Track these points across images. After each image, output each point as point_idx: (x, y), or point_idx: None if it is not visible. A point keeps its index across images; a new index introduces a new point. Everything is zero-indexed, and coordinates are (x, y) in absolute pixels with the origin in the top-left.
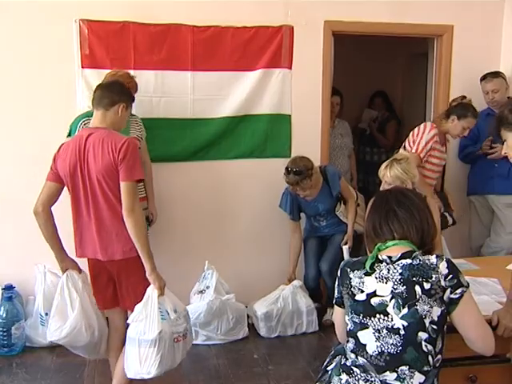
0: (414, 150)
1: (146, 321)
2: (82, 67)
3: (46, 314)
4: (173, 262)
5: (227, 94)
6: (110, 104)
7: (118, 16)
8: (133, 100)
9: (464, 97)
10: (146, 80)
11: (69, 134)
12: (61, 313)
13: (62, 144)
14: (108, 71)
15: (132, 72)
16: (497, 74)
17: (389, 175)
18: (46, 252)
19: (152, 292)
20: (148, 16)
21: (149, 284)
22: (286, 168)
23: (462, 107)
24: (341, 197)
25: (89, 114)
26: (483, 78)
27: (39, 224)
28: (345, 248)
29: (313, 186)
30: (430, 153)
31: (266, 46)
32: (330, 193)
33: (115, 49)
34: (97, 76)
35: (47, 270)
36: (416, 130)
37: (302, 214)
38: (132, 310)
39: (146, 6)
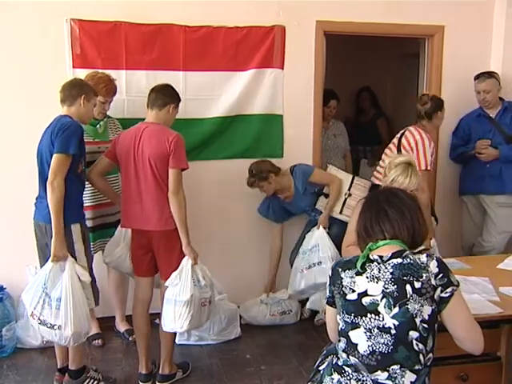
0: (423, 167)
1: (180, 285)
2: (74, 67)
3: None
4: None
5: (219, 94)
6: (163, 105)
7: (110, 16)
8: (179, 100)
9: (422, 95)
10: (138, 80)
11: None
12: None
13: (122, 132)
14: (100, 71)
15: (124, 72)
16: (490, 75)
17: (414, 182)
18: (36, 253)
19: (187, 262)
20: (140, 16)
21: (181, 256)
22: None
23: (435, 101)
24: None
25: None
26: (477, 78)
27: (98, 188)
28: (320, 231)
29: (278, 187)
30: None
31: (258, 46)
32: (300, 197)
33: (107, 49)
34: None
35: (37, 271)
36: (412, 140)
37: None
38: (166, 278)
39: (137, 5)
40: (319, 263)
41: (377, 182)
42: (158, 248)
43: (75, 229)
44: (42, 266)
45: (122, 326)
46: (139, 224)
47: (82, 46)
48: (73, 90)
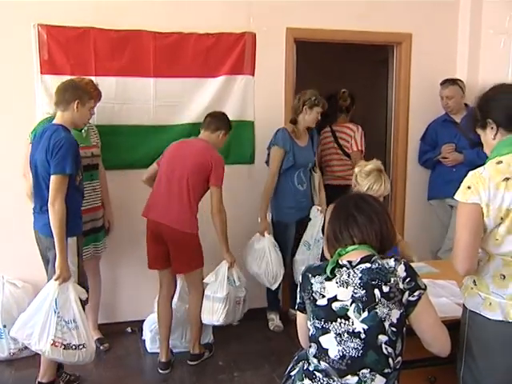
0: (360, 148)
1: (217, 284)
2: (42, 73)
3: (5, 326)
4: (136, 271)
5: (190, 100)
6: (215, 129)
7: (78, 21)
8: (230, 129)
9: (343, 92)
10: (108, 86)
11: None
12: None
13: (173, 143)
14: (69, 77)
15: (93, 78)
16: (454, 82)
17: (388, 187)
18: (3, 262)
19: (225, 264)
20: (109, 22)
21: (193, 256)
22: (314, 99)
23: (352, 98)
24: None
25: (51, 120)
26: (442, 84)
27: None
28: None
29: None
30: None
31: (228, 53)
32: (312, 148)
33: (75, 54)
34: (57, 82)
35: (6, 281)
36: (349, 130)
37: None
38: (175, 273)
39: (106, 11)
40: None
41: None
42: (172, 244)
43: (72, 242)
44: (47, 272)
45: (94, 335)
46: (158, 217)
47: (49, 51)
48: (66, 94)
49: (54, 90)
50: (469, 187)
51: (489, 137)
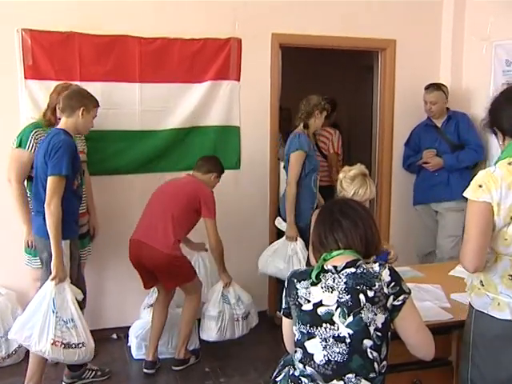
0: (336, 150)
1: (211, 302)
2: (26, 78)
3: None
4: (121, 277)
5: (175, 105)
6: (207, 172)
7: (63, 26)
8: (222, 172)
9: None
10: (93, 92)
11: (19, 145)
12: None
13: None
14: (54, 83)
15: (78, 83)
16: (439, 87)
17: (374, 190)
18: None
19: (220, 283)
20: (94, 27)
21: (181, 274)
22: (324, 104)
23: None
24: None
25: (38, 126)
26: (426, 88)
27: None
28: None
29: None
30: None
31: (214, 58)
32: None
33: (60, 60)
34: (41, 87)
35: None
36: (327, 133)
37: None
38: (168, 289)
39: (91, 16)
40: None
41: None
42: (152, 265)
43: (64, 245)
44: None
45: None
46: (141, 236)
47: (34, 56)
48: (72, 101)
49: (38, 94)
50: (480, 186)
51: (498, 140)
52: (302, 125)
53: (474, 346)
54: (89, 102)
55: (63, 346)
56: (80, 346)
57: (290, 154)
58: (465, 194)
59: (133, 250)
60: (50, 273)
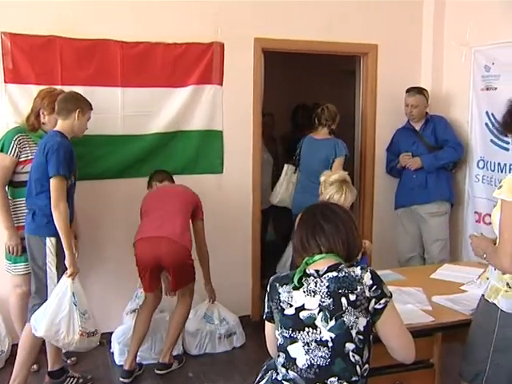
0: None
1: (193, 319)
2: (5, 82)
3: None
4: (104, 283)
5: (158, 110)
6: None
7: (44, 30)
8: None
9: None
10: None
11: (1, 150)
12: None
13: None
14: (34, 87)
15: (60, 88)
16: (420, 91)
17: (350, 198)
18: None
19: (205, 304)
20: (75, 31)
21: (192, 272)
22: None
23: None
24: None
25: (20, 130)
26: (408, 91)
27: None
28: None
29: None
30: None
31: (196, 63)
32: None
33: (41, 64)
34: (21, 91)
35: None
36: None
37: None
38: (175, 290)
39: (72, 20)
40: None
41: None
42: (170, 258)
43: (50, 242)
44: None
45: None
46: (156, 232)
47: (14, 60)
48: (68, 104)
49: (19, 99)
50: None
51: None
52: (327, 131)
53: (497, 346)
54: (84, 105)
55: (87, 335)
56: (95, 333)
57: (335, 159)
58: (499, 196)
59: (148, 247)
60: (51, 271)
